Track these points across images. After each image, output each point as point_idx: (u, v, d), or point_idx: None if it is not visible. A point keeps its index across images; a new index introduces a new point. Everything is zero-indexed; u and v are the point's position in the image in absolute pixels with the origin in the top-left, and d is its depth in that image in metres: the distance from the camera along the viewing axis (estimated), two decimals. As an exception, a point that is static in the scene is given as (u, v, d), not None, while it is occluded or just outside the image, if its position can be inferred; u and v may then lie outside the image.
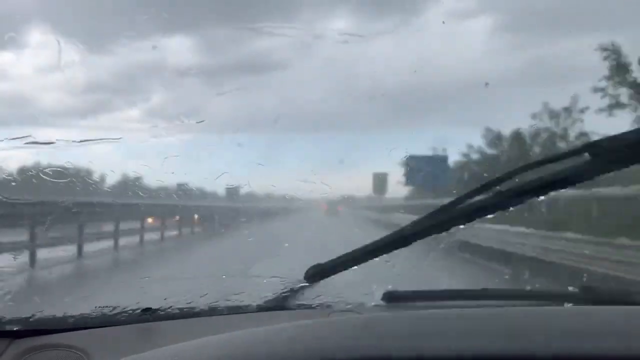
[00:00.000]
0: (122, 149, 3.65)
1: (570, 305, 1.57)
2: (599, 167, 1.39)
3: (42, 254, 5.94)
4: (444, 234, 1.61)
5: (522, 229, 8.96)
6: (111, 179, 3.06)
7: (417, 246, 1.59)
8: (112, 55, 5.47)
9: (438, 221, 1.54)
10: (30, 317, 1.52)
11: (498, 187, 1.48)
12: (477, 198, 1.49)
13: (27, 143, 2.84)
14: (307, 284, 1.68)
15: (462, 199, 1.51)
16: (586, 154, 1.37)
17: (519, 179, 1.47)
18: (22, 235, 6.04)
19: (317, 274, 1.67)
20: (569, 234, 8.63)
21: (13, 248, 5.34)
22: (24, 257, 5.61)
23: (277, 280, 1.74)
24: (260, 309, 1.68)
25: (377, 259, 1.60)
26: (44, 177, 2.64)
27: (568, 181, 1.42)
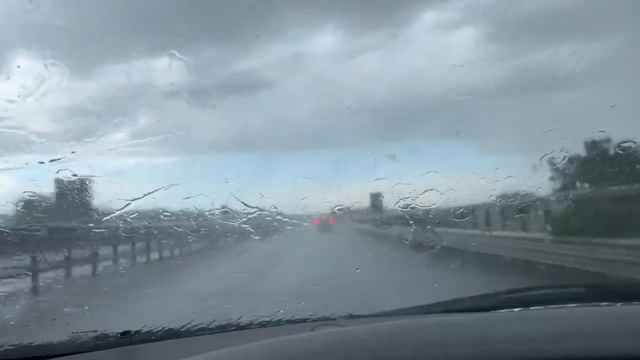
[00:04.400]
0: (108, 173, 3.64)
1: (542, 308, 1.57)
2: None
3: (19, 282, 5.85)
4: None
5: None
6: (94, 203, 3.05)
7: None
8: (98, 78, 5.47)
9: None
10: (7, 346, 1.50)
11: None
12: None
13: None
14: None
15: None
16: None
17: None
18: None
19: None
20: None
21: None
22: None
23: (259, 298, 1.72)
24: (243, 326, 1.66)
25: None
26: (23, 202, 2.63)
27: None
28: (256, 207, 3.55)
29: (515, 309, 1.59)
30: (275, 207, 3.98)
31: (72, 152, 3.06)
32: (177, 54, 4.39)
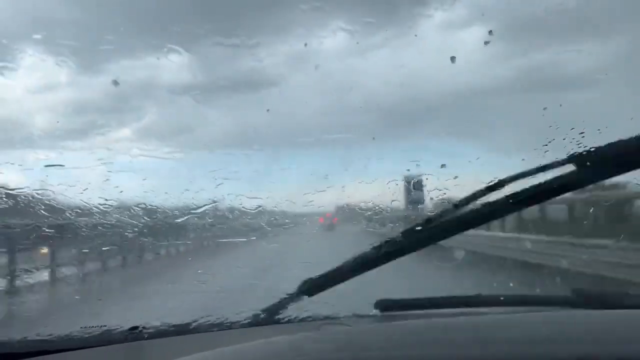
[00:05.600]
0: (114, 170, 3.65)
1: (555, 311, 1.56)
2: (583, 177, 1.41)
3: (26, 276, 5.88)
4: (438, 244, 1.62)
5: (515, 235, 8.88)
6: (101, 200, 3.05)
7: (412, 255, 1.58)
8: (104, 75, 5.49)
9: (429, 233, 1.53)
10: (15, 340, 1.50)
11: (486, 198, 1.49)
12: (466, 209, 1.50)
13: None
14: (300, 298, 1.66)
15: (452, 210, 1.52)
16: (571, 165, 1.39)
17: (506, 190, 1.48)
18: (5, 257, 5.97)
19: (313, 287, 1.65)
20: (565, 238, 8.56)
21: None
22: (7, 279, 5.57)
23: (267, 295, 1.72)
24: (251, 324, 1.66)
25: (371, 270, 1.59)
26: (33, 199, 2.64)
27: (554, 192, 1.43)
28: (259, 207, 3.55)
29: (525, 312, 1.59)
30: (277, 207, 3.99)
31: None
32: (183, 51, 4.39)
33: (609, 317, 1.17)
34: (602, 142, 1.38)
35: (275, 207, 4.14)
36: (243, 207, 3.53)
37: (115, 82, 3.44)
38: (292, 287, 1.68)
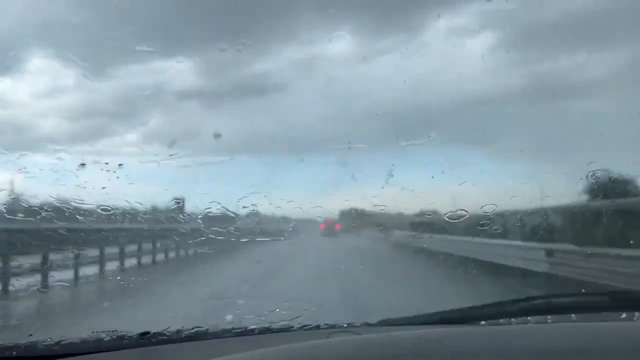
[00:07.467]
0: (120, 174, 3.66)
1: (537, 323, 1.56)
2: None
3: (37, 279, 5.89)
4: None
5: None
6: (107, 204, 3.06)
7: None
8: (111, 80, 5.51)
9: None
10: (26, 343, 1.51)
11: None
12: None
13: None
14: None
15: None
16: None
17: None
18: (17, 262, 5.97)
19: None
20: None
21: (11, 274, 5.29)
22: (19, 283, 5.57)
23: (275, 303, 1.72)
24: (260, 331, 1.67)
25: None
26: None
27: None
28: (255, 210, 3.54)
29: (536, 321, 1.58)
30: (275, 213, 3.98)
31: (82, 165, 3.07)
32: (190, 57, 4.41)
33: (631, 328, 1.17)
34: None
35: (275, 212, 4.14)
36: (239, 213, 3.52)
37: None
38: (293, 298, 1.68)
